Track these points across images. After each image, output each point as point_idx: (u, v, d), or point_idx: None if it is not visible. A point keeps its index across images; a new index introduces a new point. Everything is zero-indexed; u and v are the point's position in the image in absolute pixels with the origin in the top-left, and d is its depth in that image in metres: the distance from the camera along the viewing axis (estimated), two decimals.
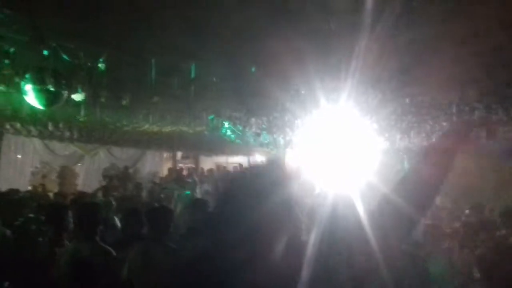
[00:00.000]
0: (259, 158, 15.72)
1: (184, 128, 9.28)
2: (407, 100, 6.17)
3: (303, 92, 5.75)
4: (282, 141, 8.97)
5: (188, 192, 8.69)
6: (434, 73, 4.65)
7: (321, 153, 8.89)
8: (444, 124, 7.29)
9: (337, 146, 7.96)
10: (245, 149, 12.71)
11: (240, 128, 8.19)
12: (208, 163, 16.30)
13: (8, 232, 4.64)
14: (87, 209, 3.99)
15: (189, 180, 10.43)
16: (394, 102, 6.17)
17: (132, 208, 5.75)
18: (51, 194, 9.09)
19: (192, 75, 5.26)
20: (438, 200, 8.27)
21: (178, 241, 4.03)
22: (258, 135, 8.42)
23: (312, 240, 3.35)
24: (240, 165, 16.16)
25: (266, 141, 9.14)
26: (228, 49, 4.44)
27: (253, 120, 7.76)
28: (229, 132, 8.51)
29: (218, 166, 16.16)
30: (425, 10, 3.25)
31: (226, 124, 8.01)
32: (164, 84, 5.44)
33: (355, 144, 8.16)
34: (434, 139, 8.61)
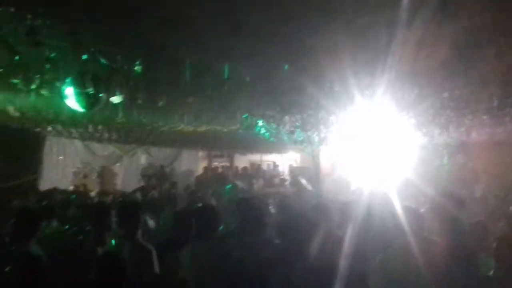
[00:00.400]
0: (293, 156, 15.68)
1: (219, 127, 9.36)
2: (446, 94, 5.99)
3: (337, 88, 5.68)
4: (316, 139, 8.90)
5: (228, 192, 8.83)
6: (474, 66, 4.50)
7: (356, 150, 8.76)
8: (484, 118, 7.04)
9: (373, 142, 7.83)
10: (279, 147, 12.70)
11: (274, 126, 8.18)
12: (242, 161, 16.40)
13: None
14: (127, 208, 4.12)
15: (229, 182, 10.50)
16: (432, 97, 6.00)
17: (180, 208, 5.91)
18: (93, 194, 9.42)
19: (226, 75, 5.29)
20: (481, 196, 8.02)
21: (222, 240, 4.12)
22: (292, 132, 8.39)
23: (349, 237, 3.31)
24: (274, 163, 16.22)
25: (300, 139, 9.10)
26: (260, 48, 4.44)
27: (286, 118, 7.74)
28: (263, 131, 8.52)
29: (252, 164, 16.24)
30: (465, 1, 3.15)
31: (260, 123, 8.02)
32: (199, 85, 5.49)
33: (391, 140, 8.01)
34: (473, 134, 8.34)
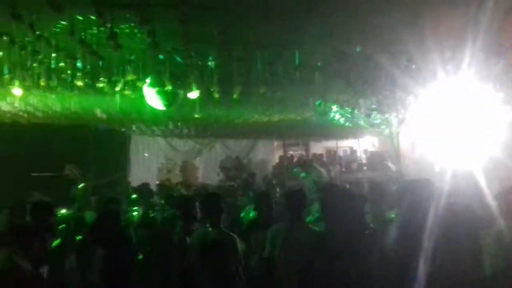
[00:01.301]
0: (370, 139, 15.23)
1: (292, 116, 9.35)
2: None
3: (414, 66, 5.43)
4: (394, 120, 8.57)
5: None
6: None
7: (439, 130, 8.31)
8: None
9: (456, 120, 7.38)
10: (355, 132, 12.39)
11: (349, 110, 8.00)
12: (318, 148, 16.25)
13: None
14: (212, 199, 4.30)
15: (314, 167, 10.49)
16: None
17: (262, 192, 6.07)
18: (179, 187, 9.89)
19: (296, 61, 5.26)
20: None
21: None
22: (368, 116, 8.14)
23: (433, 223, 3.16)
24: (351, 148, 15.88)
25: (377, 121, 8.82)
26: (331, 31, 4.37)
27: (361, 101, 7.53)
28: (337, 116, 8.37)
29: (328, 151, 16.04)
30: None
31: (334, 108, 7.89)
32: (270, 74, 5.52)
33: (476, 117, 7.49)
34: None
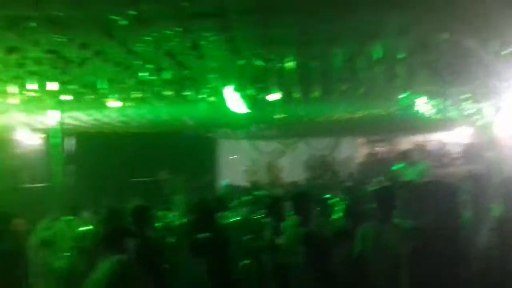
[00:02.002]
0: (462, 131, 14.28)
1: (376, 111, 9.08)
2: None
3: (509, 51, 5.01)
4: (488, 110, 7.97)
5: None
6: None
7: None
8: None
9: None
10: (445, 124, 11.70)
11: (437, 102, 7.59)
12: (405, 143, 15.57)
13: None
14: (301, 198, 4.34)
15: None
16: None
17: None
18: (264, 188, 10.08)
19: (378, 55, 5.11)
20: None
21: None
22: (459, 106, 7.66)
23: None
24: (441, 141, 15.01)
25: (469, 112, 8.26)
26: (414, 20, 4.18)
27: (451, 91, 7.10)
28: (425, 108, 7.98)
29: (416, 146, 15.31)
30: None
31: (421, 100, 7.52)
32: (351, 70, 5.42)
33: None
34: None
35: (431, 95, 7.28)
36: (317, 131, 12.81)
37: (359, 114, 9.21)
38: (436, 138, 14.95)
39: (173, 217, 6.40)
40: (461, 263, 3.25)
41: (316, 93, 5.96)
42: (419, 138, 14.81)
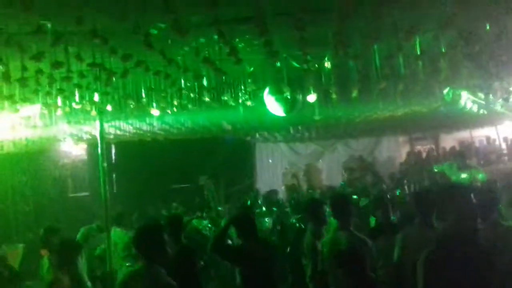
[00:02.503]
0: (509, 126, 13.68)
1: (417, 108, 8.84)
2: None
3: None
4: None
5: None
6: None
7: None
8: None
9: None
10: (491, 119, 11.26)
11: (482, 96, 7.29)
12: (448, 141, 15.11)
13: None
14: (341, 201, 4.25)
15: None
16: None
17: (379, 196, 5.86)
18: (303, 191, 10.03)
19: (418, 50, 4.97)
20: None
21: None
22: (507, 100, 7.33)
23: None
24: (488, 137, 14.44)
25: None
26: (454, 11, 4.05)
27: (497, 84, 6.80)
28: (469, 103, 7.69)
29: (461, 143, 14.81)
30: None
31: (465, 95, 7.26)
32: (390, 67, 5.30)
33: None
34: None
35: (476, 89, 7.01)
36: (357, 132, 12.62)
37: (399, 112, 9.00)
38: (482, 134, 14.40)
39: (208, 224, 6.46)
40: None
41: (355, 93, 5.85)
42: (464, 135, 14.32)
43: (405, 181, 9.48)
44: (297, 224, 5.81)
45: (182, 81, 5.09)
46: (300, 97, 5.80)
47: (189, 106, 6.08)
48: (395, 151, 14.85)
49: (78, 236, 6.40)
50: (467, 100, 7.49)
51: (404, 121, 10.39)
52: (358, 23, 4.04)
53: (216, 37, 3.64)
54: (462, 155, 12.02)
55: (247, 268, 4.06)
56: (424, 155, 14.40)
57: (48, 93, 4.99)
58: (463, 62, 5.54)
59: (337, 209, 4.21)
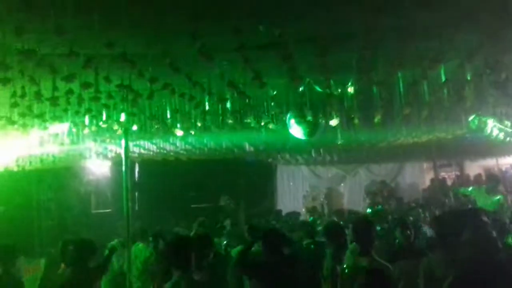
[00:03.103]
0: None
1: (442, 135, 8.73)
2: None
3: None
4: None
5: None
6: None
7: None
8: None
9: None
10: None
11: (509, 124, 7.16)
12: (474, 168, 14.79)
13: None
14: (363, 226, 4.21)
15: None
16: None
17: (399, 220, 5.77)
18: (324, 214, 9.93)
19: (443, 78, 4.95)
20: None
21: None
22: None
23: None
24: None
25: None
26: (482, 41, 4.03)
27: None
28: (495, 131, 7.55)
29: (487, 170, 14.47)
30: None
31: (491, 122, 7.14)
32: (415, 94, 5.28)
33: None
34: None
35: (502, 117, 6.89)
36: (379, 157, 12.50)
37: (424, 138, 8.90)
38: (508, 162, 14.06)
39: (226, 244, 6.46)
40: None
41: (378, 118, 5.83)
42: (490, 163, 14.00)
43: (429, 207, 9.29)
44: (312, 246, 5.74)
45: (206, 104, 5.17)
46: (322, 121, 5.80)
47: (212, 127, 6.16)
48: (418, 177, 14.61)
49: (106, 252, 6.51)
50: (493, 127, 7.36)
51: (428, 147, 10.26)
52: (383, 50, 4.07)
53: (241, 61, 3.71)
54: (492, 178, 11.72)
55: (270, 283, 4.04)
56: (448, 182, 14.11)
57: (77, 112, 5.14)
58: (489, 90, 5.47)
59: (359, 234, 4.15)
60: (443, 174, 14.83)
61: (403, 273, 4.17)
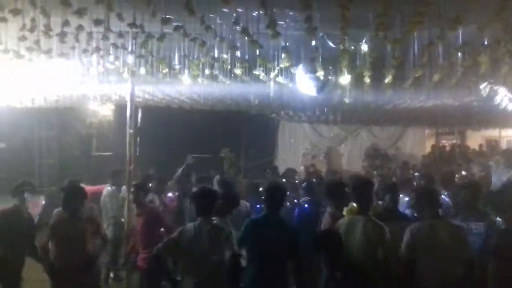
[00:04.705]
0: None
1: (449, 101, 8.64)
2: None
3: None
4: None
5: None
6: None
7: None
8: None
9: None
10: None
11: None
12: (475, 138, 14.84)
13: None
14: (362, 186, 4.23)
15: None
16: None
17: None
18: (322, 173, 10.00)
19: (460, 41, 4.83)
20: None
21: None
22: None
23: None
24: None
25: None
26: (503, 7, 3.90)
27: None
28: (505, 101, 7.47)
29: (488, 141, 14.51)
30: None
31: (503, 92, 7.04)
32: (428, 55, 5.17)
33: None
34: None
35: None
36: (383, 119, 12.45)
37: (430, 103, 8.82)
38: (510, 135, 14.07)
39: None
40: None
41: (389, 79, 5.73)
42: (492, 134, 14.01)
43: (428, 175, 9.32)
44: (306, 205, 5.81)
45: (216, 50, 5.07)
46: (333, 78, 5.72)
47: (220, 77, 6.07)
48: (420, 143, 14.65)
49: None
50: (504, 97, 7.28)
51: (433, 113, 10.19)
52: (403, 6, 3.94)
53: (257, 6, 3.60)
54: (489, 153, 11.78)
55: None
56: (448, 149, 14.17)
57: (85, 51, 5.04)
58: (504, 58, 5.36)
59: (359, 194, 4.18)
60: (443, 141, 14.87)
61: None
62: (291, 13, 4.03)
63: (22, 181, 5.09)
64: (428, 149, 14.09)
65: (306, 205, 5.74)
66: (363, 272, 3.62)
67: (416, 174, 8.75)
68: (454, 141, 14.84)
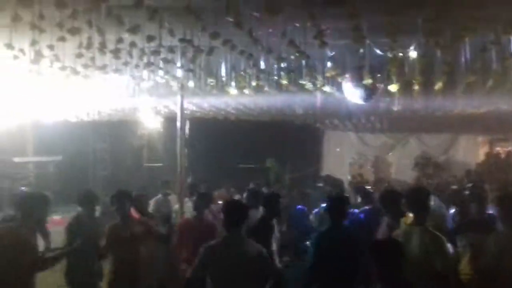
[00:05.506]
0: None
1: (504, 107, 8.30)
2: None
3: None
4: None
5: None
6: None
7: None
8: None
9: None
10: None
11: None
12: None
13: None
14: (418, 196, 4.11)
15: None
16: None
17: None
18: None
19: None
20: None
21: None
22: None
23: None
24: None
25: None
26: None
27: None
28: None
29: None
30: None
31: None
32: (482, 61, 5.00)
33: None
34: None
35: None
36: (433, 126, 12.06)
37: (483, 109, 8.50)
38: None
39: None
40: None
41: (439, 85, 5.58)
42: None
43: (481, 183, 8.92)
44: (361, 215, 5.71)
45: (262, 62, 5.13)
46: (381, 86, 5.64)
47: (266, 88, 6.13)
48: (472, 150, 14.04)
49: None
50: None
51: (486, 119, 9.79)
52: (454, 11, 3.85)
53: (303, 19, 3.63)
54: None
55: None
56: (503, 157, 13.49)
57: (137, 66, 5.25)
58: None
59: (414, 204, 4.06)
60: (497, 149, 14.19)
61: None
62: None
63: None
64: (481, 156, 13.49)
65: (361, 215, 5.66)
66: (418, 286, 3.50)
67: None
68: (509, 148, 14.12)
